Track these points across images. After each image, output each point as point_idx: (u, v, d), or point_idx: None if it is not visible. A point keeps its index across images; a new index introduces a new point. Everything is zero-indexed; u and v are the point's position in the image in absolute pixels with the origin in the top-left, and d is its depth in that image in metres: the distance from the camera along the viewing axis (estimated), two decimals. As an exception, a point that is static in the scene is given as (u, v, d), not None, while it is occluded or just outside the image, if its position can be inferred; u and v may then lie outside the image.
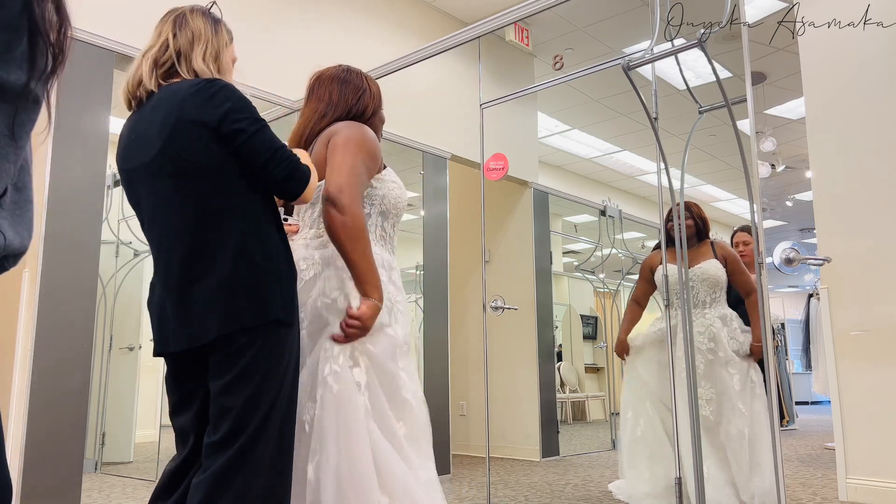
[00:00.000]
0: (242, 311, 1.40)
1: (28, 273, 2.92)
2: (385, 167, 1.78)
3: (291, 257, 1.55)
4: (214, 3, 1.68)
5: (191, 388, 1.52)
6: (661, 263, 3.11)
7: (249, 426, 1.39)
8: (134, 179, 1.51)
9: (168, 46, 1.56)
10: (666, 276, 3.09)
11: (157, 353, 1.51)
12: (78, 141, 3.04)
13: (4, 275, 0.85)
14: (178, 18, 1.60)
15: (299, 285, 1.63)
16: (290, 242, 1.76)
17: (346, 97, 1.82)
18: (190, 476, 1.48)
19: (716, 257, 3.20)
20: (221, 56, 1.60)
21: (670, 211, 3.02)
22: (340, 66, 1.89)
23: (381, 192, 1.73)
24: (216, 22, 1.63)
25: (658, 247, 3.34)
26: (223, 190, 1.45)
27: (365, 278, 1.57)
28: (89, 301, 3.04)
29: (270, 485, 1.42)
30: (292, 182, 1.49)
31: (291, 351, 1.49)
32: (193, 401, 1.52)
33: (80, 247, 3.01)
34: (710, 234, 3.30)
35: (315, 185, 1.58)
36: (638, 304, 3.45)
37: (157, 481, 1.55)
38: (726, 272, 3.17)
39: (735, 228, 3.94)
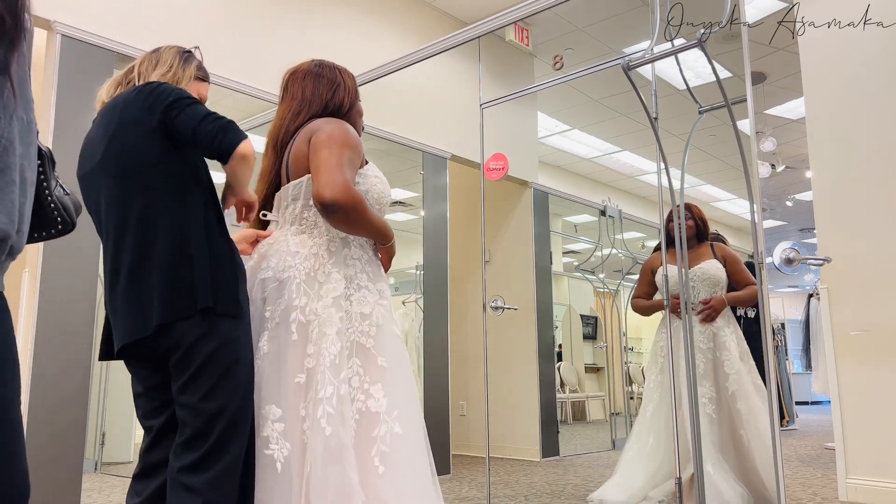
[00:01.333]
0: (177, 301, 1.43)
1: (28, 273, 2.92)
2: (367, 162, 1.76)
3: (234, 252, 1.56)
4: (198, 47, 1.76)
5: (151, 384, 1.55)
6: (661, 264, 3.11)
7: (213, 427, 1.42)
8: (87, 185, 1.58)
9: (133, 69, 1.65)
10: (666, 277, 3.09)
11: (115, 353, 1.52)
12: (78, 141, 3.02)
13: (4, 275, 0.83)
14: (152, 50, 1.69)
15: (273, 284, 1.64)
16: (270, 238, 1.76)
17: (320, 93, 1.80)
18: (162, 471, 1.51)
19: (715, 257, 3.21)
20: (181, 84, 1.65)
21: (671, 211, 3.03)
22: (313, 60, 1.87)
23: (365, 188, 1.71)
24: (188, 59, 1.70)
25: (658, 248, 3.34)
26: (164, 185, 1.49)
27: (379, 238, 1.71)
28: (89, 302, 3.03)
29: (243, 475, 1.46)
30: (227, 134, 1.47)
31: (242, 343, 1.51)
32: (154, 395, 1.55)
33: (80, 247, 3.01)
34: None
35: (254, 152, 1.53)
36: (640, 302, 3.46)
37: (133, 474, 1.57)
38: (726, 272, 3.18)
39: None
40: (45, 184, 0.94)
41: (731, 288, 3.20)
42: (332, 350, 1.54)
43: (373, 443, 1.52)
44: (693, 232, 3.23)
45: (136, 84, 1.61)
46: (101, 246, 1.57)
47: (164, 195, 1.49)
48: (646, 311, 3.45)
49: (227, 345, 1.46)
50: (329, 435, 1.46)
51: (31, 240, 0.96)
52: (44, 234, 1.03)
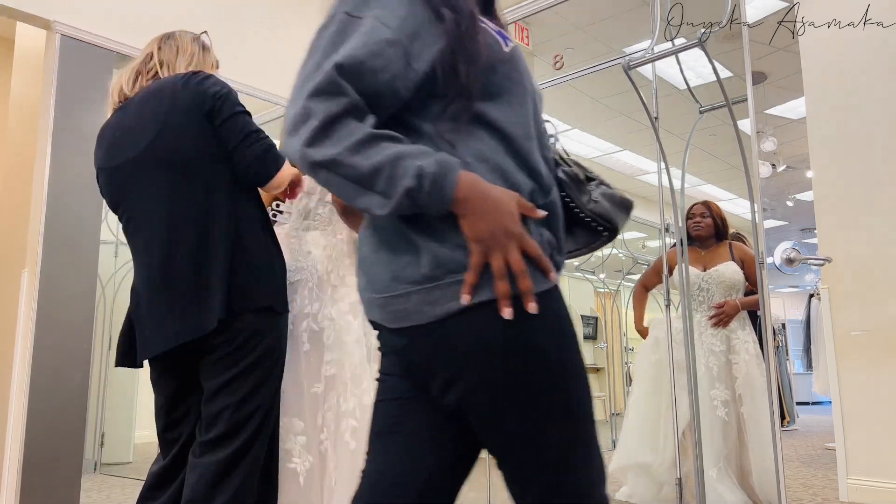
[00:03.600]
0: (238, 297, 1.40)
1: (28, 273, 2.92)
2: None
3: (279, 248, 1.53)
4: (205, 32, 1.71)
5: (179, 389, 1.51)
6: (677, 263, 3.08)
7: (246, 425, 1.39)
8: (118, 176, 1.49)
9: (152, 57, 1.57)
10: (667, 277, 3.08)
11: (144, 358, 1.47)
12: (78, 141, 3.03)
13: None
14: (165, 36, 1.62)
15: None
16: (277, 231, 1.73)
17: None
18: (180, 476, 1.48)
19: (733, 259, 3.16)
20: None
21: (691, 208, 3.02)
22: None
23: None
24: (204, 47, 1.65)
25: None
26: (217, 178, 1.44)
27: None
28: (88, 301, 3.03)
29: (265, 482, 1.45)
30: (263, 163, 1.45)
31: (284, 341, 1.51)
32: (182, 402, 1.51)
33: (79, 247, 3.00)
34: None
35: (289, 174, 1.52)
36: (645, 287, 3.45)
37: (144, 482, 1.54)
38: (744, 274, 3.13)
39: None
40: (572, 205, 1.00)
41: (748, 289, 3.16)
42: (353, 360, 1.52)
43: None
44: (711, 231, 3.18)
45: (162, 73, 1.54)
46: (129, 241, 1.48)
47: (217, 188, 1.43)
48: (639, 306, 3.42)
49: (281, 340, 1.45)
50: (354, 449, 1.45)
51: (578, 253, 1.07)
52: (592, 244, 1.08)
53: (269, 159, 1.46)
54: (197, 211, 1.41)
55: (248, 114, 1.48)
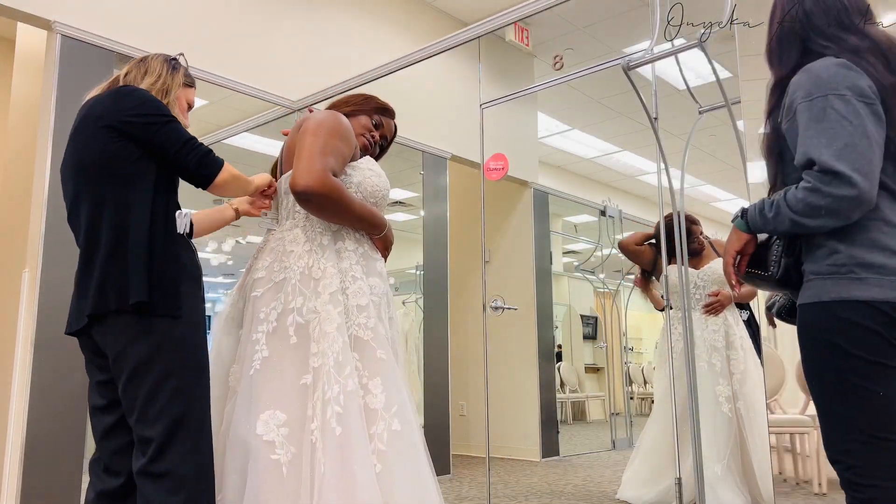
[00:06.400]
0: (109, 294, 1.47)
1: (28, 273, 2.92)
2: (362, 156, 1.76)
3: (180, 253, 1.55)
4: (182, 54, 1.79)
5: (101, 380, 1.59)
6: (665, 262, 3.13)
7: (160, 431, 1.43)
8: (61, 176, 1.67)
9: (119, 80, 1.68)
10: (666, 278, 3.10)
11: (65, 331, 1.63)
12: (78, 141, 3.03)
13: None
14: (140, 60, 1.72)
15: (268, 285, 1.62)
16: (271, 234, 1.74)
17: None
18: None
19: (719, 255, 3.25)
20: (171, 93, 1.68)
21: (689, 229, 3.05)
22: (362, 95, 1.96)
23: (357, 180, 1.69)
24: (175, 67, 1.73)
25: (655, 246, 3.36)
26: (112, 181, 1.53)
27: (367, 227, 1.69)
28: (89, 301, 3.03)
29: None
30: (203, 168, 1.56)
31: (186, 343, 1.50)
32: (104, 393, 1.60)
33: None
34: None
35: (233, 175, 1.62)
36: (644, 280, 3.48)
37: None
38: None
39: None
40: None
41: None
42: (335, 348, 1.53)
43: (370, 440, 1.52)
44: (702, 247, 3.30)
45: None
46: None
47: (110, 191, 1.52)
48: (634, 250, 3.42)
49: (164, 347, 1.46)
50: (339, 434, 1.46)
51: None
52: None
53: (209, 163, 1.58)
54: (91, 214, 1.53)
55: (175, 120, 1.58)
